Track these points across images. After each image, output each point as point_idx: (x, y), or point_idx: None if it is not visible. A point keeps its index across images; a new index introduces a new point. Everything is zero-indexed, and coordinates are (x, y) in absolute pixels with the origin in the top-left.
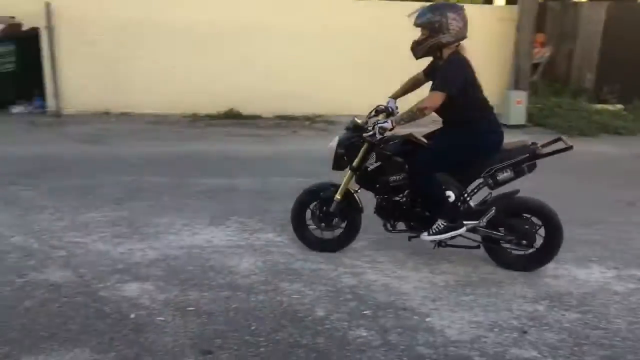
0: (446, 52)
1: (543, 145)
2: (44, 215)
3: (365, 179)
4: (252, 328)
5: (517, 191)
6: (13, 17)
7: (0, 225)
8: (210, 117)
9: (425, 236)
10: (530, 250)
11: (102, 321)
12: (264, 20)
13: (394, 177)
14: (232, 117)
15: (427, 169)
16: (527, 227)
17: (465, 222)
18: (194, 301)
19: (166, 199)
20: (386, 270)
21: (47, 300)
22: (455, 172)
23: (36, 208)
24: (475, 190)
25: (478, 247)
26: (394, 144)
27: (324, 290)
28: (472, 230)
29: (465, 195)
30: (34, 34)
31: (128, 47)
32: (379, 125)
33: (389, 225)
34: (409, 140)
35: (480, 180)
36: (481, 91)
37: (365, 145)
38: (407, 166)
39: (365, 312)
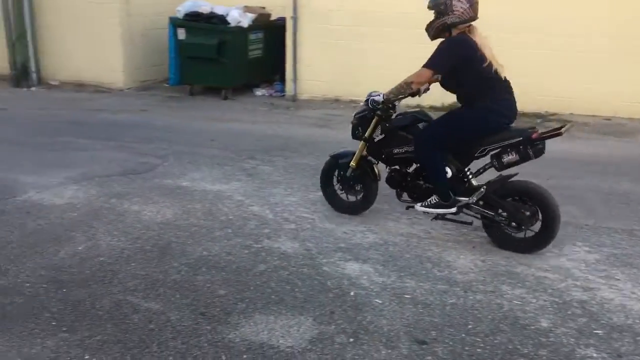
0: (455, 33)
1: (544, 132)
2: (278, 189)
3: (373, 149)
4: (469, 327)
5: (513, 174)
6: (263, 8)
7: (243, 195)
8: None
9: (418, 206)
10: (525, 234)
11: (325, 294)
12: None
13: (397, 150)
14: None
15: (428, 144)
16: (517, 209)
17: (458, 198)
18: (411, 289)
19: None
20: (625, 289)
21: (277, 267)
22: (455, 149)
23: (272, 182)
24: (481, 171)
25: (471, 223)
26: (399, 119)
27: (549, 300)
28: (467, 207)
29: (467, 172)
30: (280, 23)
31: (362, 38)
32: (372, 97)
33: (397, 195)
34: (416, 116)
35: (488, 161)
36: (490, 71)
37: (375, 118)
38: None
39: (596, 331)
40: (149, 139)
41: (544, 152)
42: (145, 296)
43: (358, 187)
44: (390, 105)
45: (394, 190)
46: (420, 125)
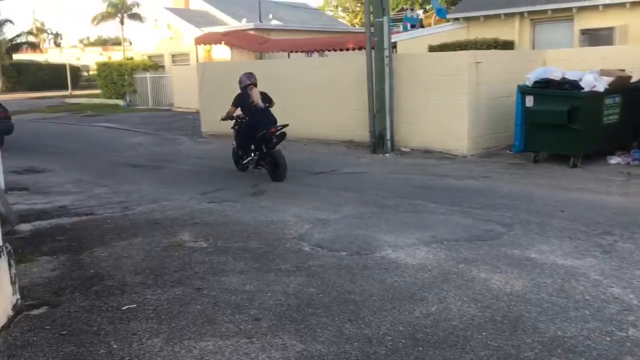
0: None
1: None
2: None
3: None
4: None
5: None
6: (623, 70)
7: (600, 274)
8: None
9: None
10: (275, 173)
11: None
12: None
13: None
14: None
15: (236, 140)
16: (268, 163)
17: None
18: None
19: None
20: None
21: None
22: (249, 141)
23: (635, 263)
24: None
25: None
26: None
27: None
28: (257, 163)
29: (255, 153)
30: None
31: None
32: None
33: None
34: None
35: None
36: (252, 105)
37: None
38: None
39: None
40: (493, 206)
41: (283, 139)
42: None
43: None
44: (229, 119)
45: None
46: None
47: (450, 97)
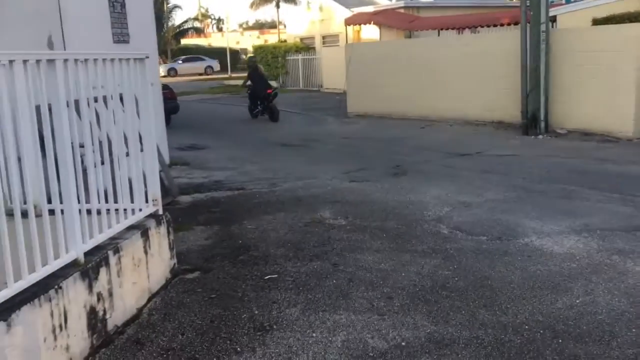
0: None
1: (270, 90)
2: None
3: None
4: None
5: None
6: None
7: None
8: None
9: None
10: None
11: None
12: None
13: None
14: None
15: (249, 99)
16: (265, 108)
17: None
18: None
19: None
20: None
21: None
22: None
23: None
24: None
25: (264, 115)
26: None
27: None
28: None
29: (260, 105)
30: None
31: None
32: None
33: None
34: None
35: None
36: (255, 78)
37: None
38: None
39: None
40: None
41: (275, 97)
42: None
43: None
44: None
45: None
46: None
47: (616, 75)
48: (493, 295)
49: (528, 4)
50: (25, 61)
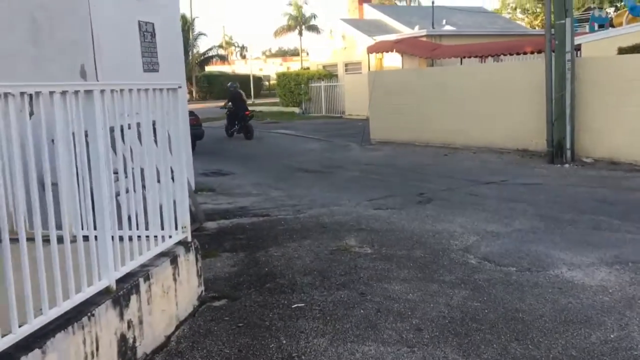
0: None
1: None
2: None
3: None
4: None
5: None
6: None
7: None
8: None
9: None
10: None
11: None
12: None
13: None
14: None
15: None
16: (241, 128)
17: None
18: None
19: None
20: None
21: None
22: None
23: None
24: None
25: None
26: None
27: None
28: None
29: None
30: None
31: None
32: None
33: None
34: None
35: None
36: (236, 101)
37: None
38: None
39: None
40: None
41: (252, 118)
42: None
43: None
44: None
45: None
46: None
47: None
48: (525, 328)
49: (553, 33)
50: (64, 92)
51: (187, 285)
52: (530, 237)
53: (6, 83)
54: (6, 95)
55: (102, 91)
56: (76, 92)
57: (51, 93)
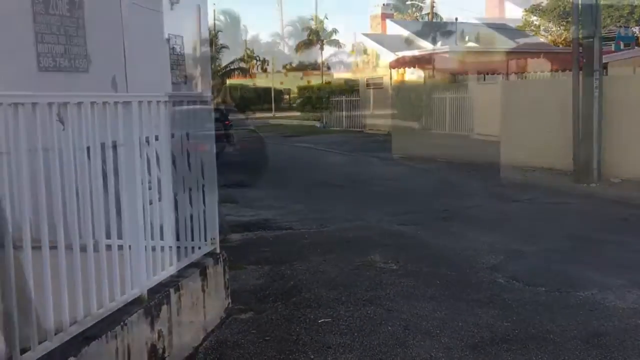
0: None
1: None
2: None
3: None
4: None
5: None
6: None
7: None
8: None
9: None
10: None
11: None
12: None
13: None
14: None
15: None
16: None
17: None
18: None
19: None
20: None
21: None
22: None
23: None
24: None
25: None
26: None
27: None
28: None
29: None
30: None
31: None
32: None
33: None
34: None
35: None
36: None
37: None
38: None
39: None
40: None
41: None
42: None
43: None
44: None
45: None
46: None
47: None
48: (556, 350)
49: (580, 51)
50: (105, 102)
51: (215, 297)
52: (559, 256)
53: (50, 93)
54: (50, 104)
55: (140, 102)
56: (115, 103)
57: (92, 103)
